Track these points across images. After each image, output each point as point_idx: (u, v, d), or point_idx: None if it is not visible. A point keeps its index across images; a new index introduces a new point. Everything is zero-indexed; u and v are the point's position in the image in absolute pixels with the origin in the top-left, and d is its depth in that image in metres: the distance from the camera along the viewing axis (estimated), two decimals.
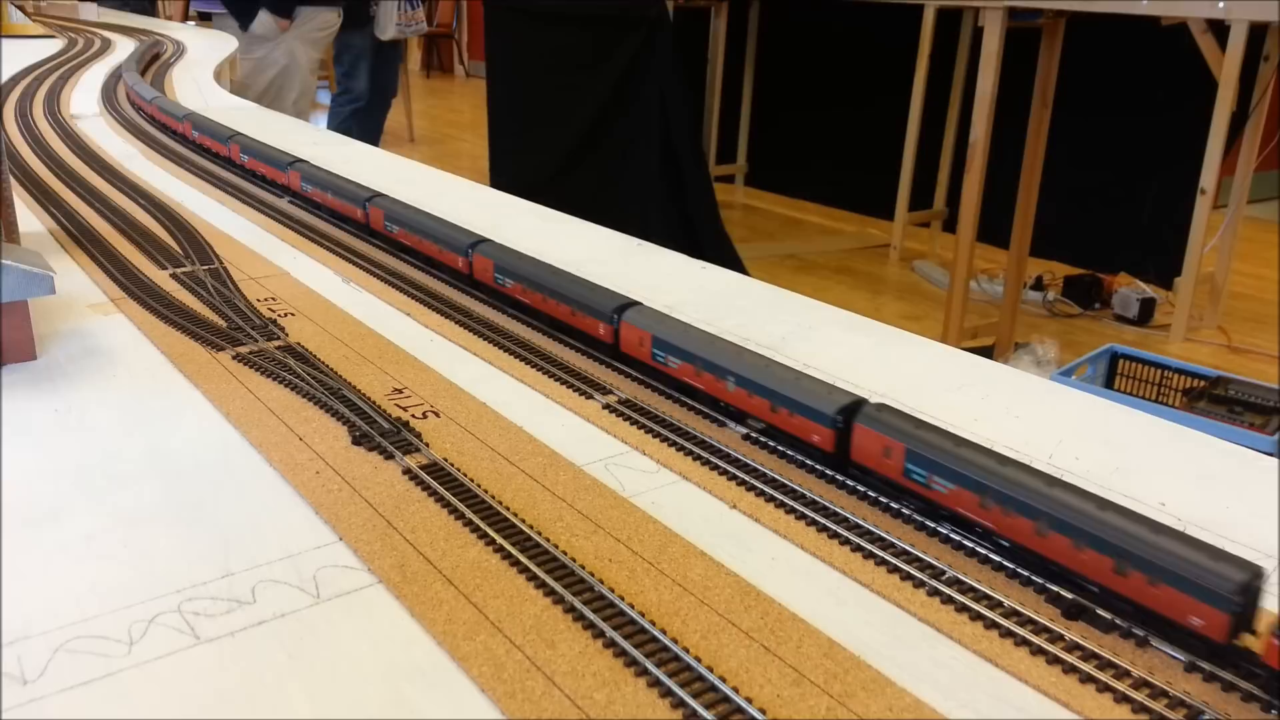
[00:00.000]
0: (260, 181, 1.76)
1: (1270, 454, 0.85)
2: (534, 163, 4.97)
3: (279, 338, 1.04)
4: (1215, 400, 2.54)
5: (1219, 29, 3.25)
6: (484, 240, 1.18)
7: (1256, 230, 5.02)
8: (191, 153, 2.02)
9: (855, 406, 0.76)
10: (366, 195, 1.41)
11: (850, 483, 0.76)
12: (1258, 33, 3.39)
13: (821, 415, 0.76)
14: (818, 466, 0.78)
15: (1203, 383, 2.62)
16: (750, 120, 5.91)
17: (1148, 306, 3.98)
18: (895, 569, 0.66)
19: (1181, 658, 0.58)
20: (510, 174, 5.00)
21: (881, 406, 0.76)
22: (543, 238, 1.45)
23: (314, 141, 2.20)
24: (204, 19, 5.05)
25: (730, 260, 4.23)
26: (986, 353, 3.51)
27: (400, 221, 1.32)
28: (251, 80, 4.36)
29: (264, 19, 4.31)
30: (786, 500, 0.74)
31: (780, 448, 0.81)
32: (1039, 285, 4.23)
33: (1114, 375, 2.81)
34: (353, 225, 1.46)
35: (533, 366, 0.98)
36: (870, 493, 0.75)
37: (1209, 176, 3.42)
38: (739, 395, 0.83)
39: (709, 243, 4.35)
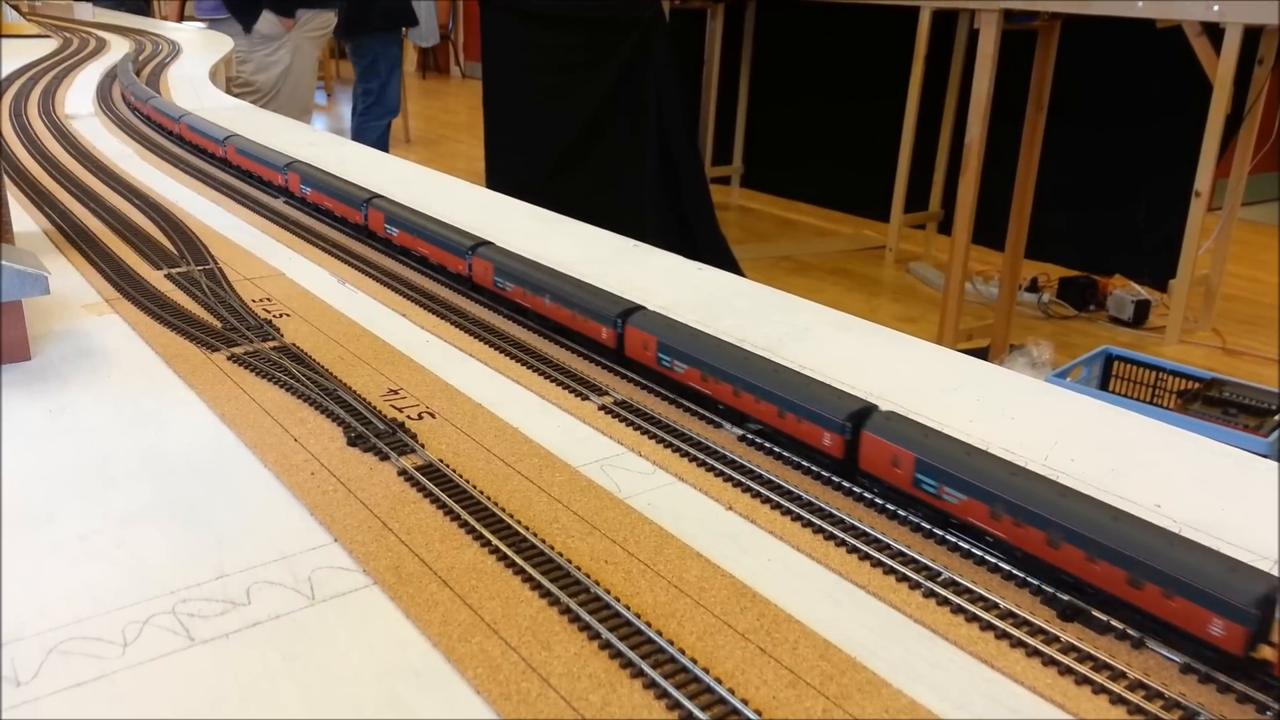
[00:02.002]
0: (199, 153, 1.93)
1: (1264, 456, 0.85)
2: (530, 164, 4.97)
3: (274, 338, 1.03)
4: (1209, 402, 2.55)
5: (1214, 31, 3.25)
6: (377, 196, 1.37)
7: (1251, 233, 5.03)
8: (151, 131, 2.05)
9: (629, 311, 0.94)
10: (285, 162, 1.60)
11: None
12: (1252, 35, 3.40)
13: (604, 317, 0.96)
14: (815, 469, 0.79)
15: (1197, 385, 2.63)
16: (746, 121, 5.91)
17: (1142, 309, 3.99)
18: (892, 570, 0.66)
19: (1177, 659, 0.58)
20: (506, 175, 5.01)
21: (647, 312, 0.94)
22: (539, 238, 1.45)
23: (310, 142, 2.20)
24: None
25: (726, 261, 4.24)
26: (982, 354, 3.52)
27: (312, 183, 1.52)
28: (255, 79, 4.36)
29: (269, 19, 4.33)
30: (783, 502, 0.74)
31: (779, 450, 0.81)
32: (1034, 287, 4.24)
33: (1109, 377, 2.81)
34: (275, 190, 1.65)
35: (529, 368, 0.98)
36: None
37: (1204, 179, 3.43)
38: (553, 309, 1.03)
39: (705, 244, 4.35)
